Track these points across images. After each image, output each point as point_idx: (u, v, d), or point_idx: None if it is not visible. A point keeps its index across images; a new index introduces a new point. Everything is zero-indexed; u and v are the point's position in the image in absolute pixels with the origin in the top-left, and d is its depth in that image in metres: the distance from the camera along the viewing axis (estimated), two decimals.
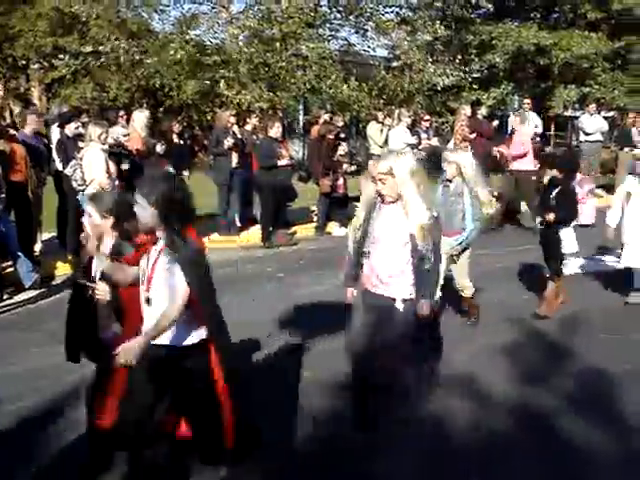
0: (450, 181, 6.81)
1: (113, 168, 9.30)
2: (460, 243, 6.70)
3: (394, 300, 4.72)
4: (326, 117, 14.39)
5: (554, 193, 7.39)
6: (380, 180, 4.71)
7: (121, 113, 12.82)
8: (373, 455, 4.68)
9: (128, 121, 11.61)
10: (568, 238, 7.52)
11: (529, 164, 12.47)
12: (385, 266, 4.75)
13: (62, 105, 12.24)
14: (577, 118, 18.55)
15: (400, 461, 4.62)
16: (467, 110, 15.29)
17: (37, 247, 9.88)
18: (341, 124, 13.96)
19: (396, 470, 4.52)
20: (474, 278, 7.20)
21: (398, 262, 4.72)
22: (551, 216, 7.32)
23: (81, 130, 9.93)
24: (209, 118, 16.74)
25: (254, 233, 11.95)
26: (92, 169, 9.02)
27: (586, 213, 11.49)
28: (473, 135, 14.52)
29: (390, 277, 4.73)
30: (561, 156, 9.62)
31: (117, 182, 9.26)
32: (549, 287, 7.62)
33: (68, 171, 9.34)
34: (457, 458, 4.71)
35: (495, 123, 16.12)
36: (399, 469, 4.52)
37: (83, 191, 9.15)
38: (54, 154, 10.25)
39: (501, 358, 6.39)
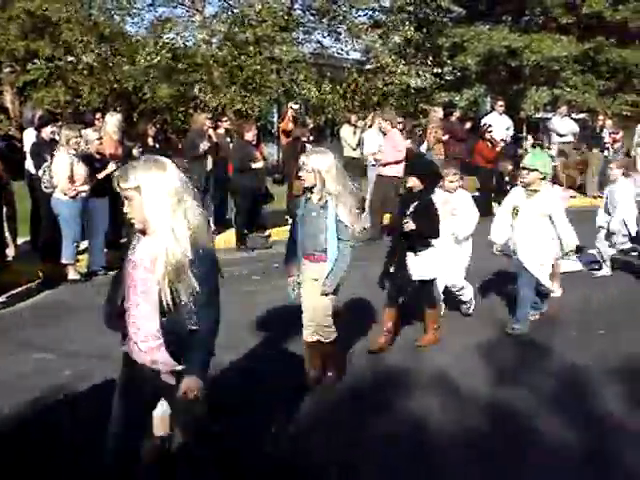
0: (311, 190, 5.55)
1: (83, 172, 9.29)
2: (328, 277, 5.45)
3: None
4: (291, 112, 14.50)
5: (412, 206, 6.46)
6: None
7: (97, 115, 12.75)
8: (352, 454, 4.74)
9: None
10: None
11: (399, 170, 11.90)
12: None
13: (36, 109, 12.16)
14: (549, 120, 18.74)
15: (378, 461, 4.69)
16: (439, 112, 15.43)
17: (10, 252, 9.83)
18: (311, 126, 14.03)
19: (375, 470, 4.57)
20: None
21: None
22: (410, 225, 6.36)
23: (57, 135, 9.93)
24: (183, 121, 16.72)
25: (229, 236, 11.96)
26: (56, 176, 9.09)
27: None
28: (446, 137, 14.67)
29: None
30: (421, 162, 8.45)
31: (87, 186, 9.29)
32: (428, 318, 6.90)
33: (39, 173, 9.35)
34: (435, 457, 4.77)
35: (468, 125, 16.28)
36: (378, 469, 4.58)
37: (51, 195, 9.20)
38: (27, 157, 10.23)
39: (477, 358, 6.47)
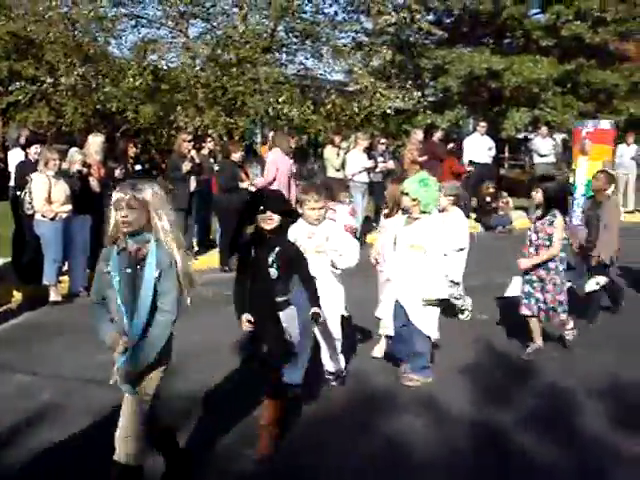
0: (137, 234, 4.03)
1: (63, 193, 9.28)
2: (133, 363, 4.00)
3: None
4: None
5: (273, 254, 4.98)
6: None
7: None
8: (334, 474, 4.73)
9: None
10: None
11: None
12: None
13: (21, 129, 12.14)
14: (530, 140, 18.89)
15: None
16: (419, 134, 15.54)
17: None
18: (293, 146, 14.12)
19: None
20: None
21: None
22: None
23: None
24: (166, 142, 16.72)
25: (212, 257, 11.95)
26: (34, 198, 9.11)
27: None
28: (424, 158, 14.75)
29: None
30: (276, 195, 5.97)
31: (67, 206, 9.28)
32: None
33: (22, 196, 9.34)
34: (418, 476, 4.77)
35: (450, 146, 16.41)
36: None
37: (32, 216, 9.19)
38: (12, 178, 10.22)
39: (460, 378, 6.49)
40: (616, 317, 8.60)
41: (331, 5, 20.31)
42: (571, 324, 7.42)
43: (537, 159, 17.22)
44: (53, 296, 9.36)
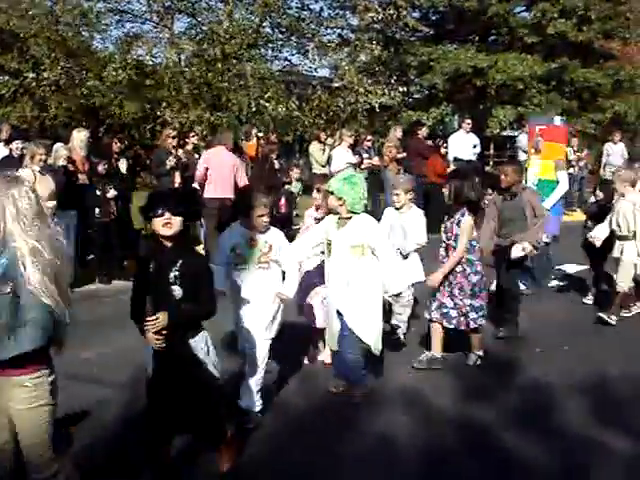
0: None
1: (47, 188, 9.20)
2: None
3: None
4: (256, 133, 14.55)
5: (174, 269, 4.12)
6: None
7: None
8: (316, 472, 4.73)
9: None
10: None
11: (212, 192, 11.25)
12: None
13: (2, 124, 12.03)
14: (515, 138, 18.96)
15: (345, 477, 4.69)
16: (398, 131, 15.53)
17: None
18: (275, 141, 14.10)
19: None
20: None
21: None
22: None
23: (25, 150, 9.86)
24: (151, 138, 16.64)
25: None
26: None
27: None
28: (403, 155, 14.72)
29: None
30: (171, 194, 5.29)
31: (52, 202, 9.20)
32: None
33: None
34: (400, 474, 4.78)
35: (436, 142, 16.43)
36: None
37: None
38: None
39: (444, 376, 6.49)
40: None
41: (317, 1, 20.37)
42: (506, 332, 7.56)
43: (522, 156, 17.26)
44: None
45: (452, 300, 6.55)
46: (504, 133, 24.26)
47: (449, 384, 6.30)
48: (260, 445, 5.05)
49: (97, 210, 10.32)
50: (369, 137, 15.41)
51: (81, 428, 5.19)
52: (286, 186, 13.09)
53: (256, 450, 4.96)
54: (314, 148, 14.27)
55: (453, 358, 6.91)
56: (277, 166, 12.84)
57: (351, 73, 17.97)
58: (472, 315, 6.53)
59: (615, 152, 18.24)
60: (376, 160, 14.67)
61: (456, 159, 16.32)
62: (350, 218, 5.69)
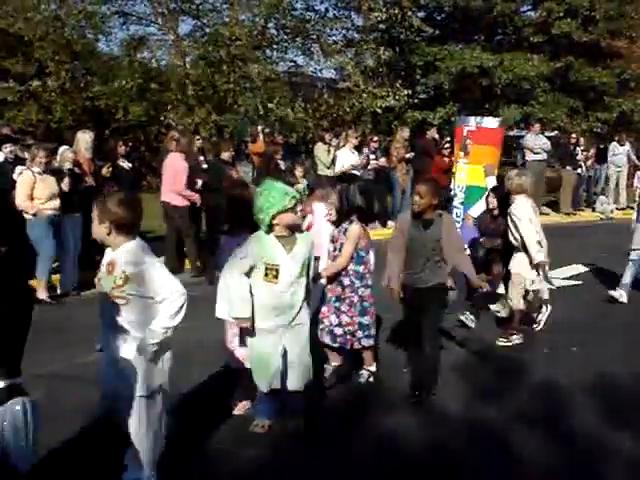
0: None
1: (48, 190, 9.21)
2: None
3: None
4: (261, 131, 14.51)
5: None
6: None
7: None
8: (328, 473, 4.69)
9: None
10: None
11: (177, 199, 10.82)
12: None
13: (2, 127, 12.06)
14: (522, 138, 18.89)
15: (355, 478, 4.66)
16: (405, 132, 15.48)
17: None
18: (280, 142, 14.07)
19: None
20: None
21: None
22: None
23: (17, 153, 9.88)
24: (156, 140, 16.65)
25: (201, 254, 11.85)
26: (17, 192, 9.07)
27: None
28: (410, 154, 14.70)
29: None
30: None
31: (55, 202, 9.21)
32: None
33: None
34: (409, 474, 4.75)
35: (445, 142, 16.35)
36: None
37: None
38: None
39: (451, 376, 6.44)
40: (610, 313, 8.58)
41: (322, 2, 20.31)
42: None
43: (529, 156, 17.20)
44: (40, 293, 9.26)
45: (338, 317, 6.06)
46: (510, 133, 24.17)
47: (456, 385, 6.25)
48: (264, 450, 5.02)
49: None
50: (375, 138, 15.36)
51: (86, 430, 5.17)
52: (294, 186, 13.02)
53: (259, 454, 4.94)
54: (319, 149, 14.24)
55: (460, 358, 6.87)
56: (282, 167, 12.79)
57: (356, 75, 17.94)
58: (359, 334, 6.06)
59: (620, 153, 18.18)
60: (383, 161, 14.64)
61: None
62: (293, 236, 4.98)
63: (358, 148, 14.08)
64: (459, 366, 6.70)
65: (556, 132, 21.51)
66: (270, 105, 16.74)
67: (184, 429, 5.03)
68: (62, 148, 10.42)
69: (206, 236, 11.73)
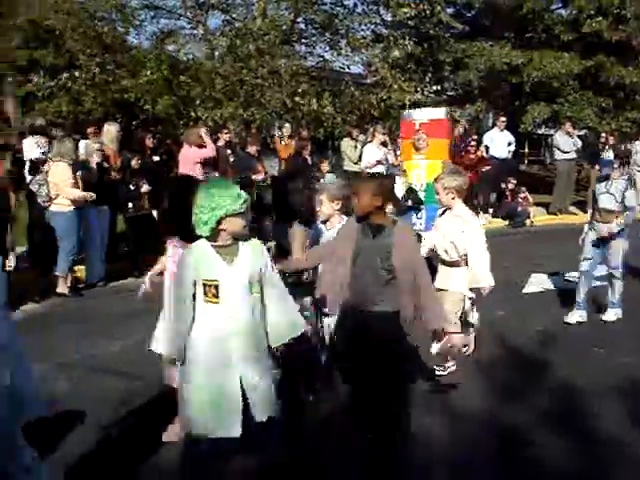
0: None
1: (79, 182, 9.31)
2: None
3: None
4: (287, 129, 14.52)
5: None
6: None
7: (90, 130, 12.67)
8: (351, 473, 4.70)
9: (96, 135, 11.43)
10: None
11: None
12: None
13: (36, 117, 12.20)
14: (551, 137, 18.76)
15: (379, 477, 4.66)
16: None
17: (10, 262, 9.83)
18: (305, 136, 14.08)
19: None
20: None
21: None
22: None
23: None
24: (182, 133, 16.72)
25: None
26: (58, 184, 9.07)
27: None
28: None
29: None
30: None
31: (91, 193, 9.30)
32: None
33: (33, 187, 9.33)
34: (433, 473, 4.75)
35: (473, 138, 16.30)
36: None
37: (47, 208, 9.17)
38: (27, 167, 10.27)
39: (477, 374, 6.43)
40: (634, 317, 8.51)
41: None
42: None
43: (558, 155, 17.05)
44: (61, 288, 9.36)
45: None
46: (539, 131, 24.00)
47: (480, 383, 6.23)
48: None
49: (130, 205, 10.39)
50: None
51: (110, 420, 5.22)
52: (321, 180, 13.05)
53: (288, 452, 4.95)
54: (346, 145, 14.24)
55: (485, 358, 6.84)
56: (310, 162, 12.83)
57: (384, 70, 17.89)
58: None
59: None
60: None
61: (491, 157, 16.19)
62: (235, 246, 4.12)
63: (385, 144, 14.03)
64: (484, 365, 6.67)
65: (585, 131, 21.30)
66: (297, 99, 16.73)
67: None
68: (85, 142, 10.53)
69: None
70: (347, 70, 19.40)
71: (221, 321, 4.00)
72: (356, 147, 14.03)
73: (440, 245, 6.17)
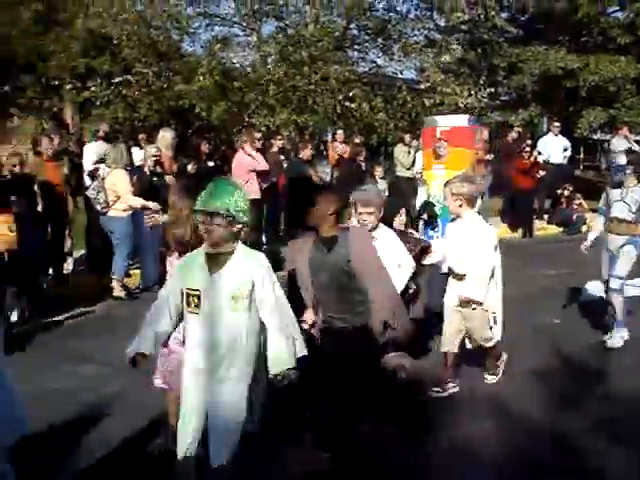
0: None
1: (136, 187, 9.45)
2: None
3: None
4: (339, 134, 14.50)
5: None
6: None
7: (141, 136, 12.84)
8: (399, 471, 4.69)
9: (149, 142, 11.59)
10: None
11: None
12: None
13: (100, 123, 12.40)
14: (607, 142, 18.44)
15: None
16: (484, 133, 15.28)
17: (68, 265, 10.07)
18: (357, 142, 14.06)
19: None
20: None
21: None
22: None
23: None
24: (236, 139, 16.87)
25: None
26: (119, 191, 9.21)
27: None
28: (489, 156, 14.53)
29: None
30: None
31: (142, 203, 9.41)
32: None
33: (90, 193, 9.48)
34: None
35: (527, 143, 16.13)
36: None
37: (105, 214, 9.32)
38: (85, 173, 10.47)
39: (532, 382, 6.34)
40: None
41: (404, 2, 20.21)
42: None
43: (622, 159, 16.74)
44: (117, 292, 9.49)
45: None
46: (595, 137, 23.60)
47: (534, 390, 6.14)
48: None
49: None
50: None
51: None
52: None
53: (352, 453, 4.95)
54: (399, 150, 14.21)
55: (539, 364, 6.75)
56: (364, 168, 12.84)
57: (437, 74, 17.82)
58: None
59: None
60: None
61: (546, 162, 15.99)
62: (226, 256, 3.79)
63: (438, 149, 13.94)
64: (538, 371, 6.57)
65: None
66: (348, 105, 16.76)
67: None
68: (147, 146, 10.66)
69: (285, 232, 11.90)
70: (400, 75, 19.38)
71: (199, 333, 3.76)
72: (409, 153, 13.97)
73: (452, 256, 5.90)
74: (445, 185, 6.04)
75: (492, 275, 5.82)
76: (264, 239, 12.33)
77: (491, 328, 5.95)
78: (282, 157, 12.77)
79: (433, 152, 9.36)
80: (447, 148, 8.90)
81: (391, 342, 4.81)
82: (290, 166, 12.27)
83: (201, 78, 16.24)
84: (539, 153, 15.81)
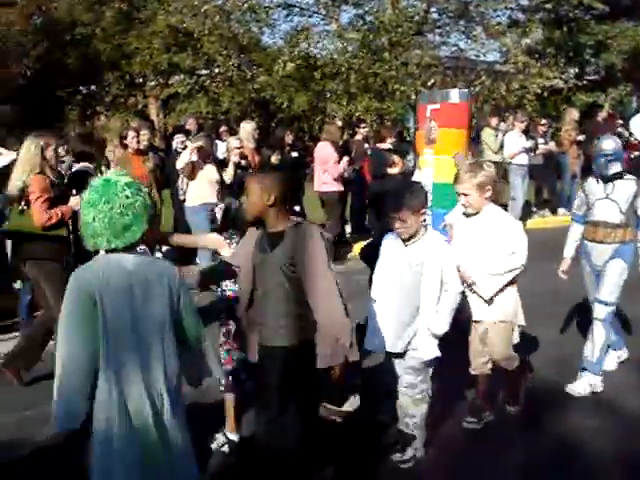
0: None
1: (217, 178, 9.46)
2: None
3: None
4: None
5: None
6: None
7: (222, 128, 12.92)
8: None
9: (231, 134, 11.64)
10: None
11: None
12: None
13: (187, 117, 12.54)
14: None
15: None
16: (574, 114, 14.78)
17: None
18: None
19: None
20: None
21: None
22: None
23: (187, 144, 10.21)
24: (320, 129, 16.83)
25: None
26: (205, 183, 9.32)
27: None
28: (581, 137, 14.05)
29: None
30: None
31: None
32: None
33: (179, 184, 9.68)
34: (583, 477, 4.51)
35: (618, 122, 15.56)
36: None
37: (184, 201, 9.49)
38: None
39: (634, 375, 6.03)
40: None
41: None
42: None
43: None
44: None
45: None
46: None
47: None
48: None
49: None
50: (543, 121, 14.74)
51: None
52: None
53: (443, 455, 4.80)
54: (486, 134, 13.86)
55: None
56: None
57: (520, 56, 17.36)
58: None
59: None
60: (552, 145, 14.09)
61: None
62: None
63: (526, 132, 13.57)
64: None
65: None
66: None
67: None
68: (230, 138, 10.68)
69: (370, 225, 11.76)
70: (482, 58, 18.96)
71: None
72: (497, 136, 13.63)
73: (469, 262, 4.84)
74: (456, 179, 5.00)
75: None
76: (348, 229, 12.21)
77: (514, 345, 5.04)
78: (366, 145, 12.60)
79: (426, 135, 7.45)
80: (437, 130, 7.10)
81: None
82: (373, 154, 12.08)
83: (282, 65, 16.22)
84: (630, 134, 15.20)
